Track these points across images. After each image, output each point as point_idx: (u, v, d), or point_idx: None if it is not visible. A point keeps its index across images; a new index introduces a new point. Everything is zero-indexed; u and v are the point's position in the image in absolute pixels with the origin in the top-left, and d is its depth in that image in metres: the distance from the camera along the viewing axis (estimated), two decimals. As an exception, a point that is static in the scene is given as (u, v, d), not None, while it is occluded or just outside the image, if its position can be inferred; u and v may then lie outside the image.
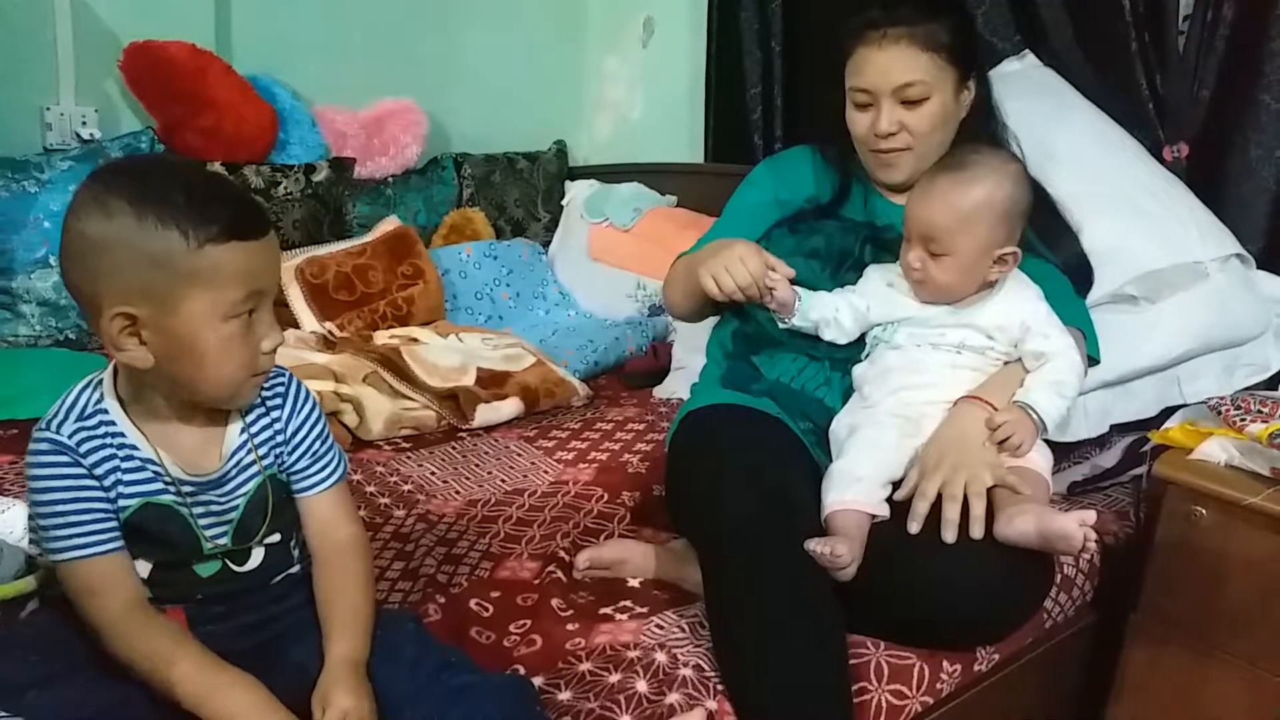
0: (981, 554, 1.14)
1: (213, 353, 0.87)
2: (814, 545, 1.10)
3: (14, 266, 2.06)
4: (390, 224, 2.46)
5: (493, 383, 1.95)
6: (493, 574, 1.31)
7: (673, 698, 1.06)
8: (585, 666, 1.10)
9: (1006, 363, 1.30)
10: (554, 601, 1.23)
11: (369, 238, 2.42)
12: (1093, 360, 1.42)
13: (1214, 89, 1.79)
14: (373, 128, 2.63)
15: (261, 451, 0.98)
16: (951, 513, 1.15)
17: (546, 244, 2.85)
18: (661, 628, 1.18)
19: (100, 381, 0.93)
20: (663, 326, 2.43)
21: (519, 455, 1.74)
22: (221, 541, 0.95)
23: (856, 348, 1.37)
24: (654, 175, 2.76)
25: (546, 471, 1.67)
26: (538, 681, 1.06)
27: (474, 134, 2.91)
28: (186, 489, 0.93)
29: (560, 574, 1.31)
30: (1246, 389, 1.64)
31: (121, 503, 0.91)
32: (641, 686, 1.07)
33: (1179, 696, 1.40)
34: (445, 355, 2.01)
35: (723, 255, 1.29)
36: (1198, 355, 1.67)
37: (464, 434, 1.84)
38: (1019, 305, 1.28)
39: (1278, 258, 1.75)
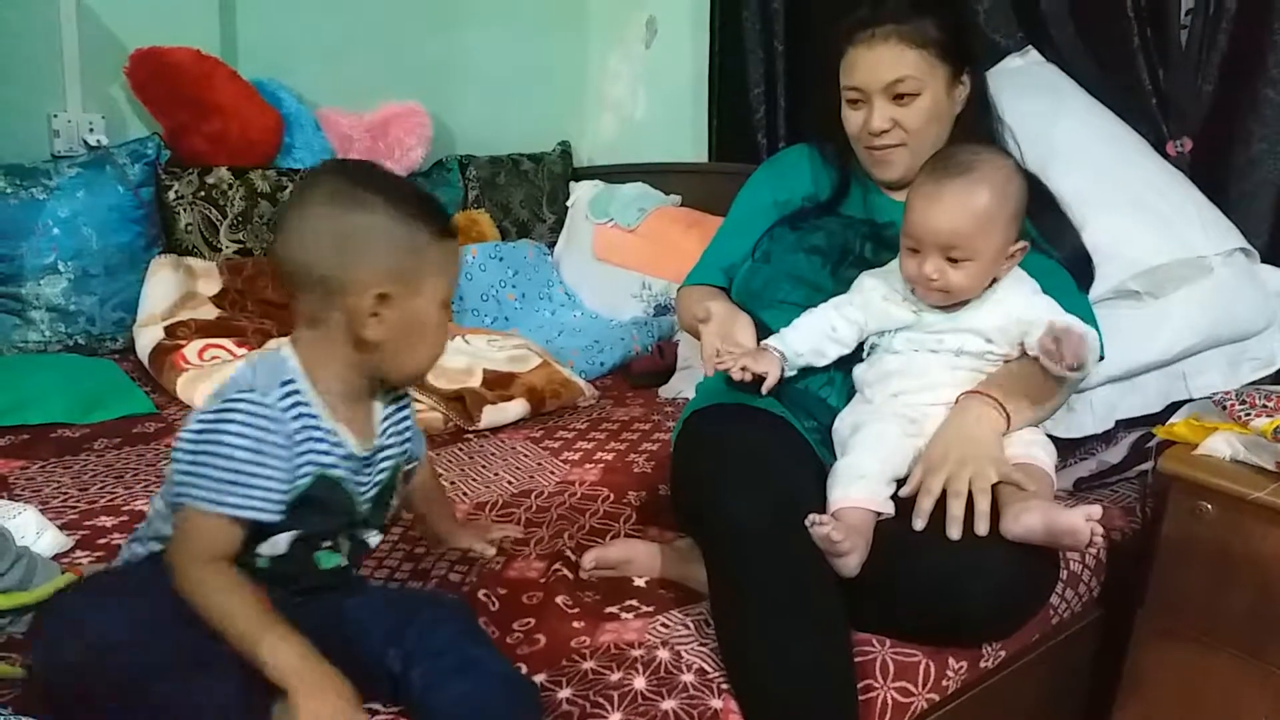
0: (987, 550, 1.14)
1: (431, 332, 1.00)
2: (815, 517, 1.10)
3: (23, 273, 2.07)
4: (396, 227, 2.47)
5: (499, 384, 1.96)
6: (500, 574, 1.31)
7: (668, 705, 1.06)
8: (589, 665, 1.10)
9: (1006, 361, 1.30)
10: (559, 600, 1.24)
11: (375, 240, 2.42)
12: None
13: (1217, 83, 1.79)
14: (377, 131, 2.64)
15: (398, 440, 1.07)
16: (956, 509, 1.16)
17: (552, 245, 2.86)
18: (667, 626, 1.19)
19: (285, 358, 0.97)
20: (668, 326, 2.43)
21: (525, 456, 1.75)
22: (366, 508, 1.03)
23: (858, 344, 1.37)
24: (658, 175, 2.76)
25: (553, 472, 1.67)
26: (540, 679, 1.07)
27: (478, 136, 2.92)
28: (355, 463, 1.00)
29: (566, 573, 1.31)
30: (1252, 383, 1.64)
31: (301, 472, 0.95)
32: (640, 684, 1.07)
33: (1186, 691, 1.40)
34: (451, 357, 2.01)
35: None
36: (1203, 350, 1.67)
37: (470, 435, 1.85)
38: (1016, 303, 1.28)
39: (1282, 252, 1.75)
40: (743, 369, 1.28)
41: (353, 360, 0.98)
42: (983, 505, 1.15)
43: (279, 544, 0.96)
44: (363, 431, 1.01)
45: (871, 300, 1.33)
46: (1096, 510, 1.09)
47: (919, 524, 1.17)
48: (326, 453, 0.96)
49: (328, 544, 1.01)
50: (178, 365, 1.94)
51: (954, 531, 1.15)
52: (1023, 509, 1.13)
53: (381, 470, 1.04)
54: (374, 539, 1.07)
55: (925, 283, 1.25)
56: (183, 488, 0.91)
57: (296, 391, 0.95)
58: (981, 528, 1.15)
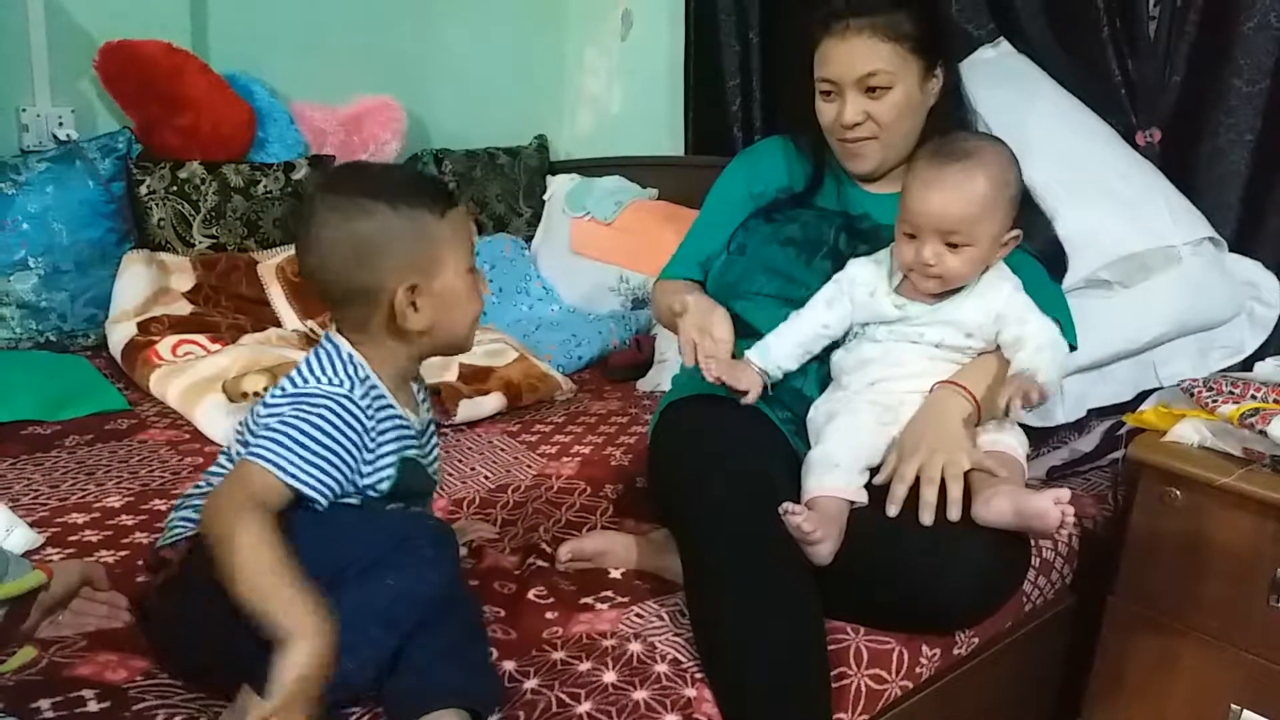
0: (960, 536, 1.15)
1: (464, 300, 1.05)
2: (787, 506, 1.10)
3: (-8, 270, 2.05)
4: (371, 221, 2.45)
5: (475, 378, 1.95)
6: (474, 568, 1.31)
7: (640, 695, 1.06)
8: (559, 655, 1.10)
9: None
10: (533, 592, 1.23)
11: (350, 235, 2.41)
12: (1069, 347, 1.43)
13: (1185, 74, 1.81)
14: (352, 125, 2.62)
15: (429, 415, 1.15)
16: (929, 495, 1.17)
17: (529, 239, 2.85)
18: (641, 617, 1.19)
19: (350, 354, 1.02)
20: (646, 319, 2.43)
21: (502, 450, 1.75)
22: (434, 480, 1.14)
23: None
24: (635, 168, 2.76)
25: (530, 466, 1.67)
26: (509, 667, 1.07)
27: (454, 129, 2.91)
28: (418, 439, 1.08)
29: (542, 564, 1.31)
30: (1221, 371, 1.66)
31: (386, 460, 1.02)
32: (610, 676, 1.07)
33: (1156, 676, 1.42)
34: (427, 351, 2.01)
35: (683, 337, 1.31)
36: (1172, 338, 1.69)
37: (447, 429, 1.84)
38: (995, 298, 1.28)
39: (1250, 241, 1.77)
40: (719, 380, 1.26)
41: (403, 350, 1.05)
42: (955, 492, 1.16)
43: None
44: (411, 407, 1.08)
45: (857, 294, 1.33)
46: (1065, 493, 1.10)
47: (892, 510, 1.18)
48: (406, 435, 1.05)
49: None
50: (151, 361, 1.92)
51: (926, 517, 1.16)
52: (993, 494, 1.14)
53: (432, 443, 1.13)
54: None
55: (923, 268, 1.25)
56: (258, 447, 0.95)
57: (375, 387, 1.02)
58: (954, 513, 1.16)
